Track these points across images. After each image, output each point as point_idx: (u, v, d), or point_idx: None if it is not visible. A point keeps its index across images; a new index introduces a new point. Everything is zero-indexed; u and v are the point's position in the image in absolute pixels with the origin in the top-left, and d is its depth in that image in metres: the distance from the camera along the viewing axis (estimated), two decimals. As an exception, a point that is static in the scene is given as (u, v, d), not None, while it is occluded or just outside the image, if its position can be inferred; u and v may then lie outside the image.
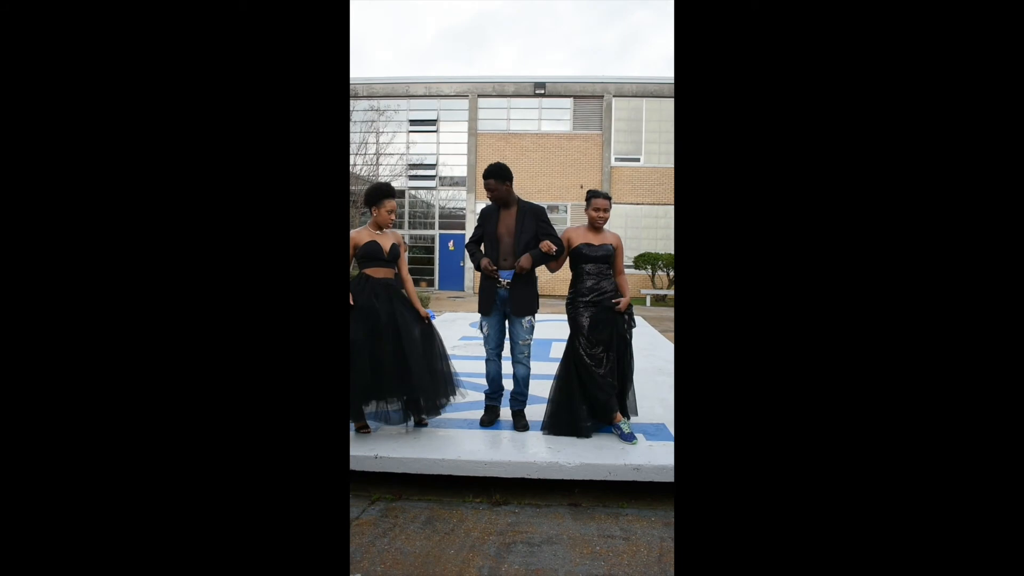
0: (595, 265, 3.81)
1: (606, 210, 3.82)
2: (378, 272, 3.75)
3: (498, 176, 3.83)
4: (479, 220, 4.01)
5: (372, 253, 3.73)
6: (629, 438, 3.63)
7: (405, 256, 4.01)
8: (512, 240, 3.84)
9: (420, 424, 3.85)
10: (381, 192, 3.80)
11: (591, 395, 3.70)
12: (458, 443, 3.61)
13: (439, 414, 3.87)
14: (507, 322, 3.94)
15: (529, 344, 3.91)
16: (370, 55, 60.63)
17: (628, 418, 3.85)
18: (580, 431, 3.69)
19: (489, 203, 3.99)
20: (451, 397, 3.81)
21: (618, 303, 3.79)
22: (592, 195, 3.86)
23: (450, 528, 2.92)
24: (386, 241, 3.79)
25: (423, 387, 3.64)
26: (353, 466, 3.35)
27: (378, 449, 3.44)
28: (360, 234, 3.76)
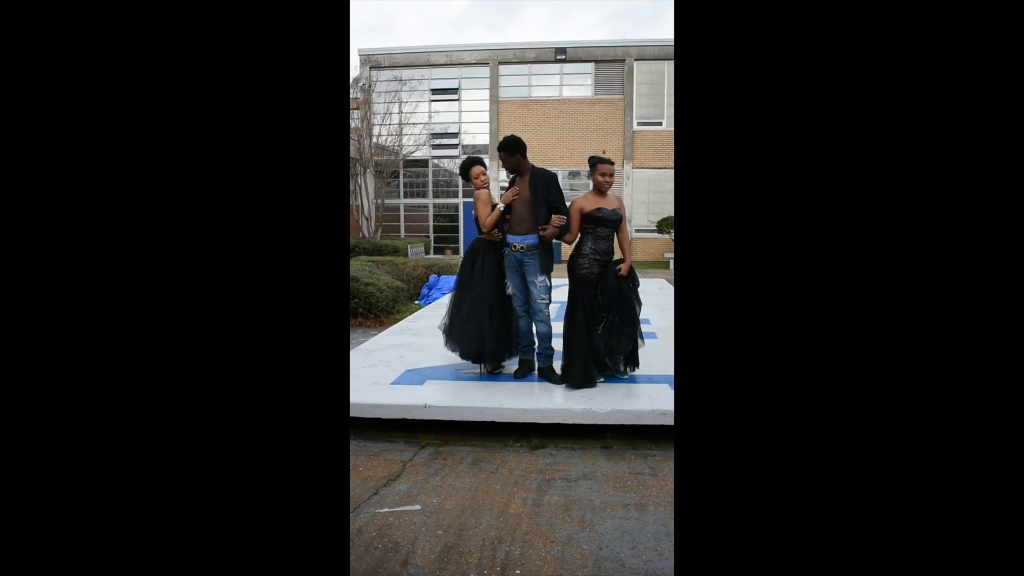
0: (608, 229, 4.09)
1: (612, 175, 4.10)
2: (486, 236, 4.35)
3: (507, 150, 4.16)
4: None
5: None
6: (620, 375, 4.19)
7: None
8: (525, 207, 4.13)
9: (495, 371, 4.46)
10: (465, 165, 4.35)
11: (594, 347, 4.07)
12: (498, 393, 3.94)
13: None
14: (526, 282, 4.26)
15: (547, 303, 4.22)
16: (400, 26, 60.19)
17: (635, 369, 4.25)
18: (589, 380, 4.03)
19: (504, 178, 4.38)
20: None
21: (619, 269, 4.10)
22: (597, 161, 4.13)
23: (494, 468, 3.25)
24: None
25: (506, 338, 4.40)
26: (403, 415, 3.70)
27: (426, 399, 3.78)
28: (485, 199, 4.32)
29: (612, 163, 4.15)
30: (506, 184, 4.44)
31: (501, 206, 4.17)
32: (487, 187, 4.32)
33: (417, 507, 2.79)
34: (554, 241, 4.20)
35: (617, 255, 4.19)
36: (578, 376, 4.00)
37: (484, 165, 4.37)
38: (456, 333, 4.24)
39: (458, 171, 4.53)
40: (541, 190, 4.10)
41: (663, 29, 58.83)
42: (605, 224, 4.06)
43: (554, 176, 4.27)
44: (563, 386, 4.04)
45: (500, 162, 4.24)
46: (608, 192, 4.15)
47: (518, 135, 4.24)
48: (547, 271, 4.19)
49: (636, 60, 18.48)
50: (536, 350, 4.31)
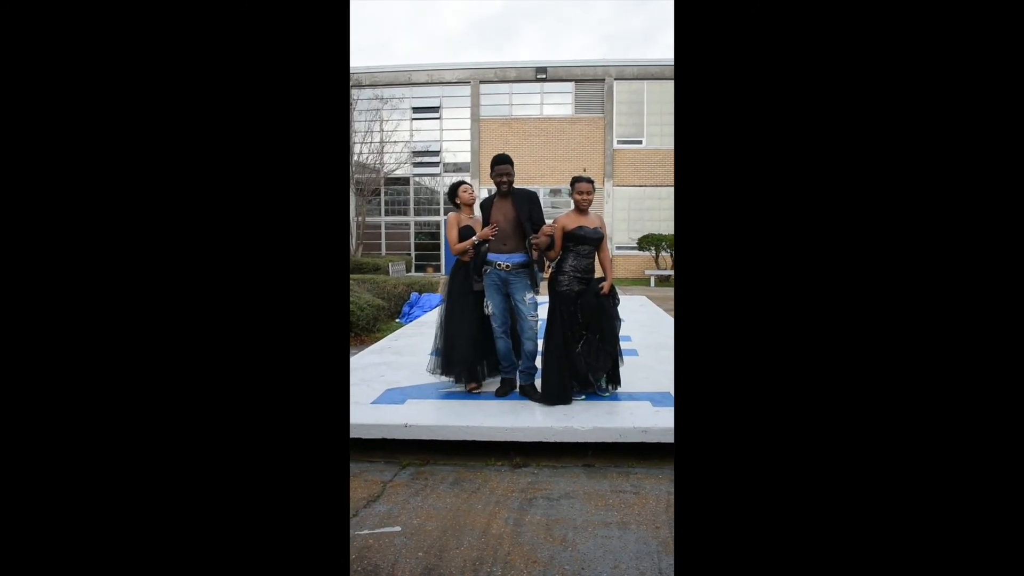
0: (588, 247, 4.13)
1: (589, 193, 4.13)
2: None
3: (512, 162, 4.21)
4: (483, 211, 4.31)
5: (465, 235, 4.40)
6: (602, 393, 4.18)
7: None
8: (510, 226, 4.15)
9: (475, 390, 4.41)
10: (453, 189, 4.48)
11: (571, 365, 4.06)
12: (479, 412, 3.92)
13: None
14: (512, 301, 4.25)
15: (536, 319, 4.22)
16: (398, 47, 60.56)
17: (617, 387, 4.25)
18: (564, 397, 4.03)
19: (487, 195, 4.39)
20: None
21: (602, 288, 4.12)
22: (575, 180, 4.21)
23: (476, 487, 3.22)
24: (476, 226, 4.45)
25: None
26: (383, 435, 3.66)
27: (407, 419, 3.75)
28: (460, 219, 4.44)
29: (590, 181, 4.19)
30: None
31: (476, 239, 4.18)
32: (472, 203, 4.34)
33: (397, 528, 2.76)
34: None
35: (599, 273, 4.22)
36: (552, 392, 4.01)
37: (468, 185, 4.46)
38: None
39: (446, 194, 4.58)
40: (524, 209, 4.15)
41: (653, 51, 59.87)
42: (586, 242, 4.09)
43: (535, 195, 4.33)
44: (542, 404, 4.03)
45: (503, 175, 4.18)
46: (590, 211, 4.18)
47: (499, 153, 4.29)
48: (535, 288, 4.20)
49: (616, 80, 18.72)
50: (519, 368, 4.30)
